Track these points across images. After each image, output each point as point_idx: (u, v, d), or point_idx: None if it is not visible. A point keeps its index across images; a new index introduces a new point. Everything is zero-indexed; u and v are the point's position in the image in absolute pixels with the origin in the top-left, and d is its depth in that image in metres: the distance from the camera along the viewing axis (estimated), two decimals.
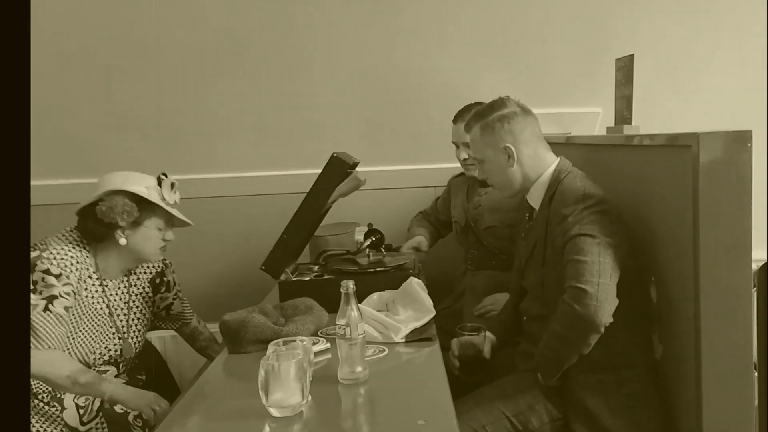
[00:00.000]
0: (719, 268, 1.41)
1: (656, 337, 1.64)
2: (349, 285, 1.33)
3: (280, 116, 2.59)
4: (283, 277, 1.81)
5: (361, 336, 1.32)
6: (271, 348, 1.26)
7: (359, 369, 1.33)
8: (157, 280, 1.95)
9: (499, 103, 1.68)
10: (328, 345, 1.54)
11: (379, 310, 1.67)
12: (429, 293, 1.75)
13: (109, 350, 1.79)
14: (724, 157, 1.39)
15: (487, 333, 1.73)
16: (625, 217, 1.62)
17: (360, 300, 1.68)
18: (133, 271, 1.90)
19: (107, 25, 2.41)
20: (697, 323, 1.42)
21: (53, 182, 2.55)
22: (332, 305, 1.47)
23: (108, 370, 1.81)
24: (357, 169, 2.04)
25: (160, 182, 1.76)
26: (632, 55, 1.85)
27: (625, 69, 1.89)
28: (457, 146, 2.27)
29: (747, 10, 2.49)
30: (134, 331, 1.86)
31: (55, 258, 1.67)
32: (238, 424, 1.20)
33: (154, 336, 2.19)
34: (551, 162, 1.68)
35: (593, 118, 2.47)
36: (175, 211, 1.78)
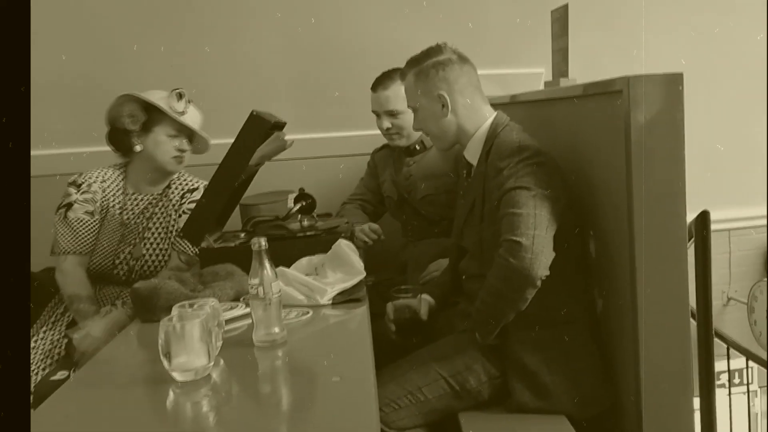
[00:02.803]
0: (653, 216, 1.39)
1: (596, 292, 1.61)
2: (261, 242, 1.24)
3: (201, 80, 2.39)
4: (204, 244, 1.71)
5: (276, 295, 1.24)
6: (175, 310, 1.17)
7: (276, 330, 1.25)
8: (186, 196, 1.97)
9: (435, 49, 1.61)
10: (248, 310, 1.45)
11: (307, 274, 1.58)
12: (368, 268, 1.67)
13: (119, 259, 1.88)
14: (655, 100, 1.39)
15: (424, 295, 1.68)
16: (565, 171, 1.58)
17: (288, 266, 1.61)
18: (171, 185, 1.97)
19: None
20: (632, 274, 1.40)
21: None
22: None
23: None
24: (294, 137, 1.91)
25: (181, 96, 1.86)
26: (566, 5, 1.79)
27: (560, 20, 1.84)
28: (378, 116, 2.14)
29: None
30: (149, 244, 1.90)
31: (82, 174, 1.91)
32: (140, 390, 1.12)
33: None
34: (488, 115, 1.63)
35: (536, 79, 2.42)
36: (180, 118, 1.85)
